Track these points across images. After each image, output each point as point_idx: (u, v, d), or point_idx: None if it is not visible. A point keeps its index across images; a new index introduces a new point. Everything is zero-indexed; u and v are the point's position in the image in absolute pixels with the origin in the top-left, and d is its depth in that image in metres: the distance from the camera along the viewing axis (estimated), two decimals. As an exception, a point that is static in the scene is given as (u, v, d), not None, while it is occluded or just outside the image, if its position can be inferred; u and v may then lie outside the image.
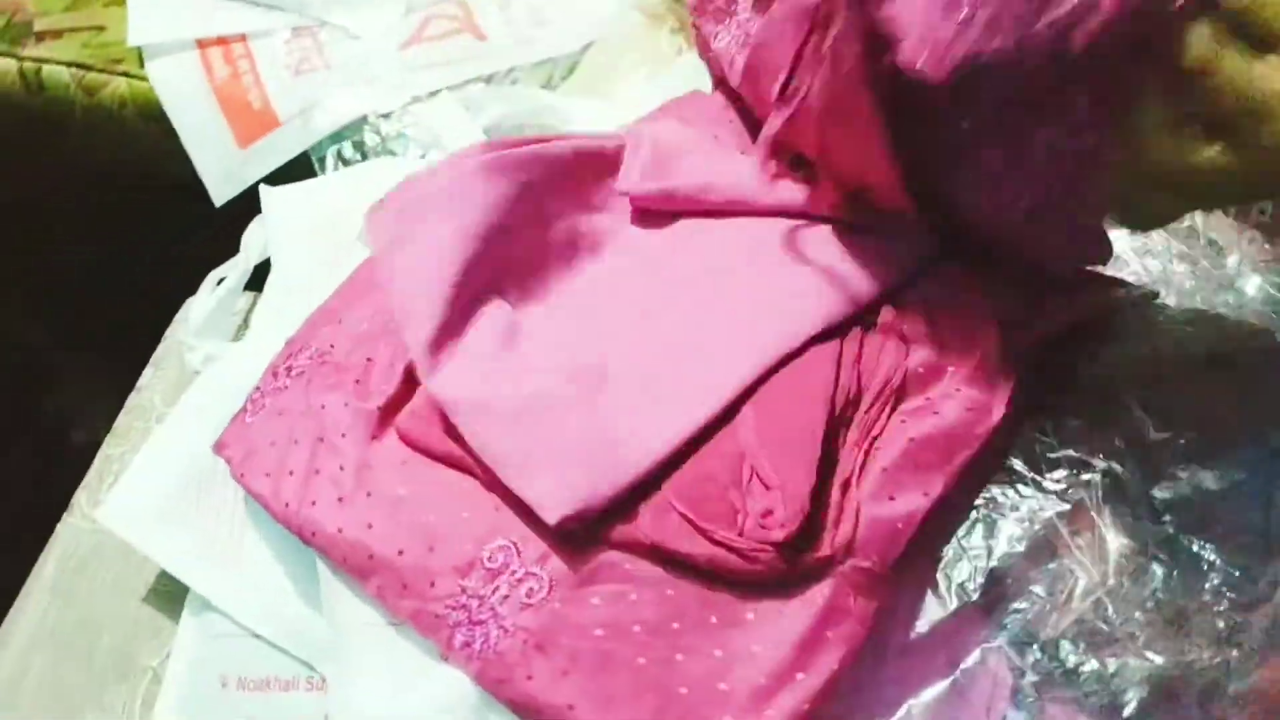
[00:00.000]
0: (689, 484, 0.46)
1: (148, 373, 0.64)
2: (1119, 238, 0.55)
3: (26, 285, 0.99)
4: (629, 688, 0.42)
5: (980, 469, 0.48)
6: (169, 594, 0.55)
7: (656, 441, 0.46)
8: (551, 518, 0.44)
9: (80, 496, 0.60)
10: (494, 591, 0.44)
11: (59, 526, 0.59)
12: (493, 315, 0.51)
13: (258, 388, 0.53)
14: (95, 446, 0.62)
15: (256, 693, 0.50)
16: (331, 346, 0.52)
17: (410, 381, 0.50)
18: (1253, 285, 0.56)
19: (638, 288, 0.53)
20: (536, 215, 0.54)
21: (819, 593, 0.44)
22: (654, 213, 0.56)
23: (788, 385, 0.48)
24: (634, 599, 0.44)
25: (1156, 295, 0.56)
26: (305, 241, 0.59)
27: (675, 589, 0.44)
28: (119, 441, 0.62)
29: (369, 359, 0.51)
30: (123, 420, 0.62)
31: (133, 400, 0.63)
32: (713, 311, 0.51)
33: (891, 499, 0.45)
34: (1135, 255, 0.59)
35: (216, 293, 0.62)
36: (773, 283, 0.52)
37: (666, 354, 0.50)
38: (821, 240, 0.53)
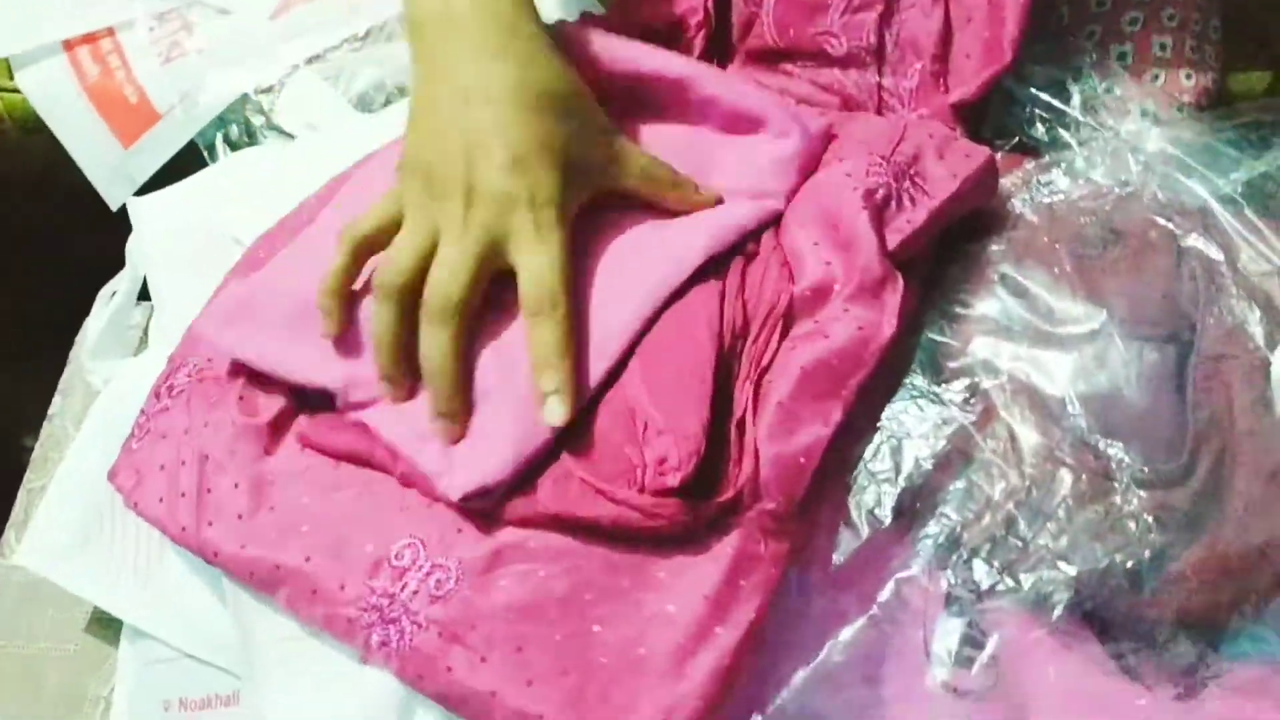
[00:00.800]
0: (586, 447, 0.45)
1: (57, 400, 0.63)
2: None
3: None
4: (549, 666, 0.42)
5: (879, 388, 0.47)
6: (108, 622, 0.55)
7: None
8: (455, 494, 0.44)
9: (9, 535, 0.60)
10: (403, 588, 0.44)
11: (-10, 568, 0.59)
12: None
13: (142, 411, 0.51)
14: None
15: (201, 711, 0.51)
16: (209, 361, 0.51)
17: (299, 389, 0.49)
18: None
19: None
20: None
21: (728, 543, 0.43)
22: None
23: (672, 329, 0.47)
24: (542, 575, 0.43)
25: (1050, 168, 0.54)
26: (178, 249, 0.58)
27: (583, 559, 0.43)
28: (39, 473, 0.61)
29: (250, 373, 0.49)
30: (39, 452, 0.62)
31: (46, 430, 0.62)
32: (598, 271, 0.49)
33: (791, 433, 0.44)
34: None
35: (108, 309, 0.61)
36: (647, 231, 0.50)
37: None
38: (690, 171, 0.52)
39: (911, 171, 0.50)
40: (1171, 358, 0.47)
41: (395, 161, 0.49)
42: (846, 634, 0.44)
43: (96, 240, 0.72)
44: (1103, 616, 0.44)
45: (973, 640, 0.46)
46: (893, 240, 0.48)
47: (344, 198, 0.54)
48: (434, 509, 0.45)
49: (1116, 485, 0.44)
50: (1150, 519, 0.43)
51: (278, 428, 0.48)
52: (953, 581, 0.44)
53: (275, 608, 0.46)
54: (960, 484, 0.45)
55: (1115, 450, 0.45)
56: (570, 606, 0.43)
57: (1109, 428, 0.45)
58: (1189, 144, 0.53)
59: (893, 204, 0.49)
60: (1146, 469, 0.44)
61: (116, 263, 0.65)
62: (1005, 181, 0.54)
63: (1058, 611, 0.44)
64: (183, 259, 0.58)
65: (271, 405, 0.49)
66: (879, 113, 0.58)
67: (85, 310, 0.68)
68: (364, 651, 0.44)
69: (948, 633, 0.46)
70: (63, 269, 0.79)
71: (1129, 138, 0.54)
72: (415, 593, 0.44)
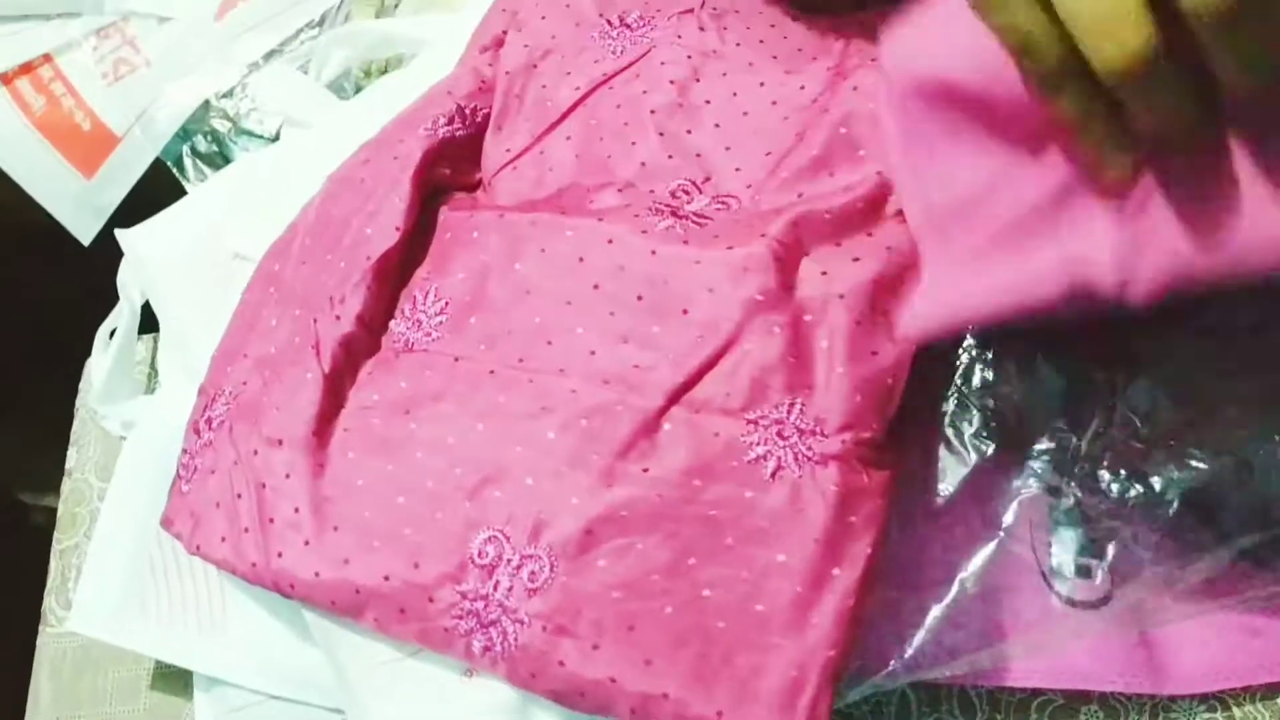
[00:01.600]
0: None
1: (72, 454, 0.60)
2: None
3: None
4: (665, 641, 0.40)
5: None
6: (176, 675, 0.52)
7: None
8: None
9: (50, 602, 0.56)
10: (496, 587, 0.41)
11: (39, 640, 0.55)
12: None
13: (184, 449, 0.48)
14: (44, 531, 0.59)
15: (295, 752, 0.48)
16: (244, 384, 0.48)
17: (332, 390, 0.46)
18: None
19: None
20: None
21: (827, 478, 0.41)
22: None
23: None
24: (641, 547, 0.41)
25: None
26: (181, 275, 0.54)
27: (680, 522, 0.41)
28: (68, 532, 0.58)
29: (281, 383, 0.47)
30: (64, 509, 0.58)
31: (67, 486, 0.59)
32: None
33: (874, 352, 0.42)
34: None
35: (110, 349, 0.57)
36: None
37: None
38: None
39: None
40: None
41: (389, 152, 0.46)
42: (976, 563, 0.42)
43: (65, 279, 0.69)
44: (1222, 511, 0.42)
45: (1090, 550, 0.45)
46: None
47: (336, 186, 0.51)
48: (504, 493, 0.42)
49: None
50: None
51: (321, 433, 0.45)
52: (1078, 495, 0.42)
53: (365, 632, 0.43)
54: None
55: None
56: (676, 574, 0.40)
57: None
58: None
59: None
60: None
61: (90, 301, 0.61)
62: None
63: (1174, 508, 0.42)
64: (189, 285, 0.54)
65: (308, 412, 0.46)
66: None
67: (65, 353, 0.64)
68: (469, 660, 0.42)
69: (1064, 546, 0.45)
70: (32, 311, 0.76)
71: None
72: (510, 589, 0.41)
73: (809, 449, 0.41)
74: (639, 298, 0.43)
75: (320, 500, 0.44)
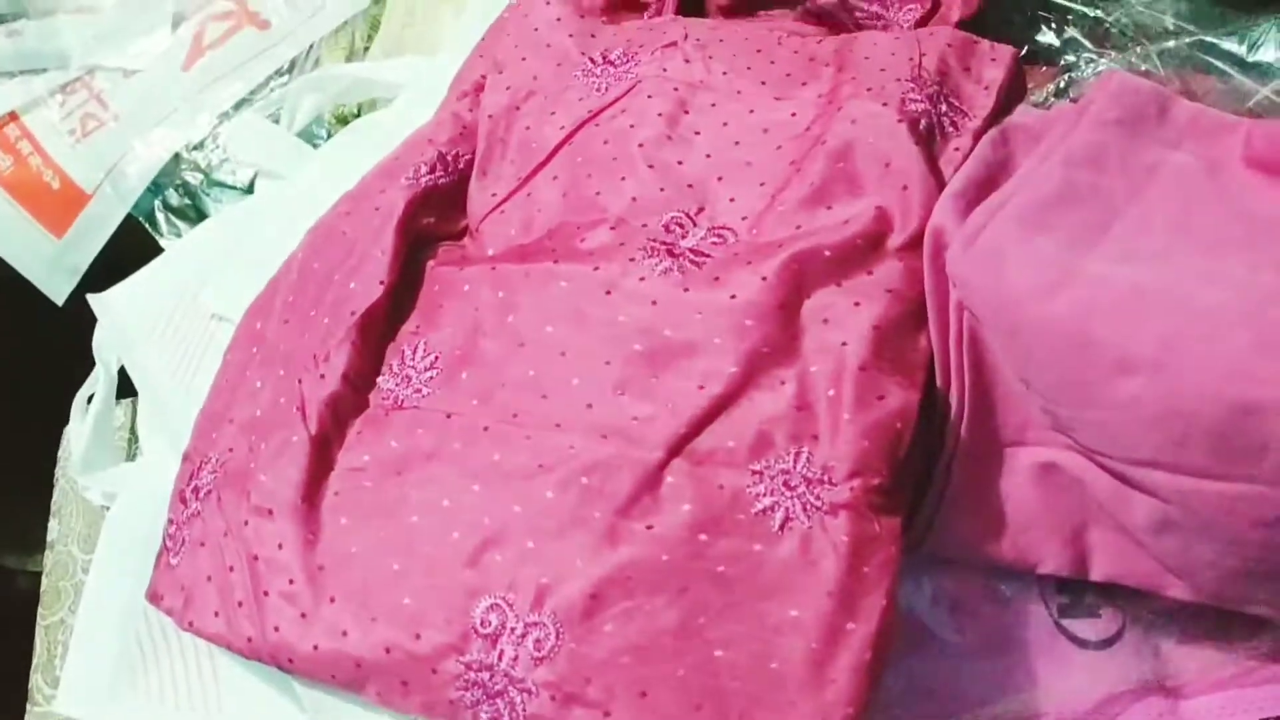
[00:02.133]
0: None
1: (53, 525, 0.58)
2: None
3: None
4: (679, 704, 0.38)
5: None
6: (169, 750, 0.50)
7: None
8: None
9: (37, 680, 0.55)
10: (500, 657, 0.40)
11: (26, 720, 0.54)
12: None
13: (170, 520, 0.47)
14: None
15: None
16: (230, 450, 0.46)
17: (320, 453, 0.45)
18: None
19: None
20: None
21: (838, 529, 0.39)
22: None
23: None
24: (648, 609, 0.39)
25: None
26: (158, 339, 0.53)
27: (688, 579, 0.39)
28: (52, 608, 0.56)
29: (268, 448, 0.45)
30: (48, 583, 0.57)
31: (50, 559, 0.57)
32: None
33: (880, 398, 0.41)
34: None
35: (89, 417, 0.55)
36: None
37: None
38: None
39: (945, 91, 0.47)
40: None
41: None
42: (980, 612, 0.41)
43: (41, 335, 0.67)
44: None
45: (1096, 589, 0.44)
46: (947, 173, 0.45)
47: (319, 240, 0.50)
48: (504, 557, 0.41)
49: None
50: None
51: (310, 499, 0.44)
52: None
53: (368, 705, 0.42)
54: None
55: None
56: (687, 635, 0.39)
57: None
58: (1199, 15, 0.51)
59: (936, 131, 0.46)
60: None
61: (67, 358, 0.60)
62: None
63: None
64: (166, 349, 0.53)
65: (294, 478, 0.44)
66: None
67: (34, 415, 0.63)
68: (475, 732, 0.40)
69: (1072, 588, 0.45)
70: (8, 369, 0.74)
71: (1136, 19, 0.51)
72: (515, 659, 0.40)
73: (818, 498, 0.39)
74: (637, 348, 0.42)
75: (314, 571, 0.43)
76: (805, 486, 0.40)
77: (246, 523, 0.44)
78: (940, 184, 0.44)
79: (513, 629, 0.40)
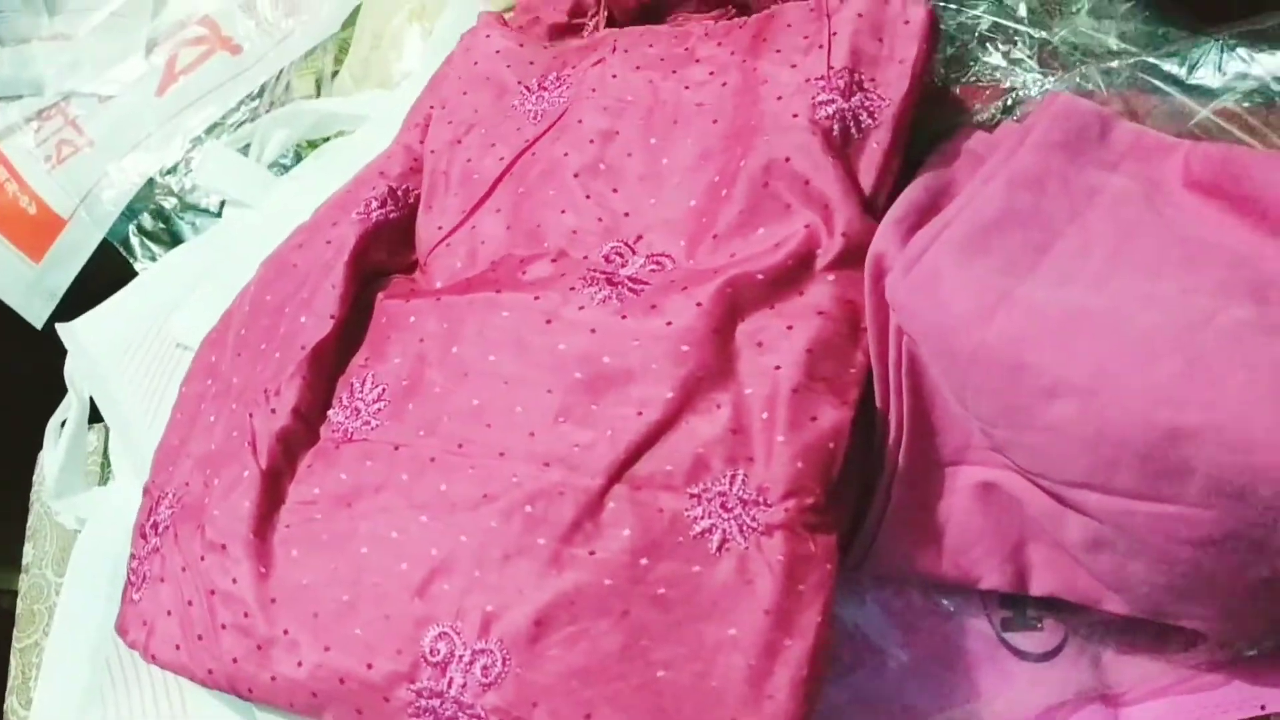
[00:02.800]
0: None
1: (28, 549, 0.59)
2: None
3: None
4: None
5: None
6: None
7: None
8: None
9: (12, 701, 0.56)
10: (450, 684, 0.41)
11: (1, 743, 0.55)
12: None
13: (133, 554, 0.48)
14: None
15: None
16: (187, 485, 0.47)
17: (270, 487, 0.46)
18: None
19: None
20: None
21: (773, 549, 0.40)
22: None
23: None
24: (592, 633, 0.40)
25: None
26: (125, 368, 0.54)
27: (629, 602, 0.40)
28: (26, 630, 0.57)
29: (221, 483, 0.46)
30: (23, 606, 0.58)
31: (25, 582, 0.58)
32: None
33: (813, 419, 0.42)
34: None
35: (61, 443, 0.57)
36: None
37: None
38: None
39: (858, 78, 0.47)
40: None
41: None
42: (923, 626, 0.42)
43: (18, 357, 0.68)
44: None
45: (1038, 602, 0.45)
46: (867, 180, 0.46)
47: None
48: (451, 586, 0.42)
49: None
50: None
51: (261, 533, 0.45)
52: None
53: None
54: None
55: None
56: (630, 657, 0.40)
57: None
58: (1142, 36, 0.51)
59: (852, 129, 0.46)
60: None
61: (34, 386, 0.61)
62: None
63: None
64: (133, 377, 0.54)
65: (246, 510, 0.45)
66: None
67: (11, 440, 0.64)
68: (428, 758, 0.41)
69: (1015, 601, 0.45)
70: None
71: (1081, 40, 0.52)
72: (464, 685, 0.41)
73: (753, 519, 0.40)
74: (577, 376, 0.43)
75: (267, 603, 0.44)
76: (741, 508, 0.40)
77: (203, 558, 0.45)
78: (860, 193, 0.45)
79: (460, 656, 0.41)
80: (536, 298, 0.45)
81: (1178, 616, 0.43)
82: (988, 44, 0.54)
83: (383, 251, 0.51)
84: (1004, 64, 0.53)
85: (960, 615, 0.46)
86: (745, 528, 0.40)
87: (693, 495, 0.41)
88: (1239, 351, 0.40)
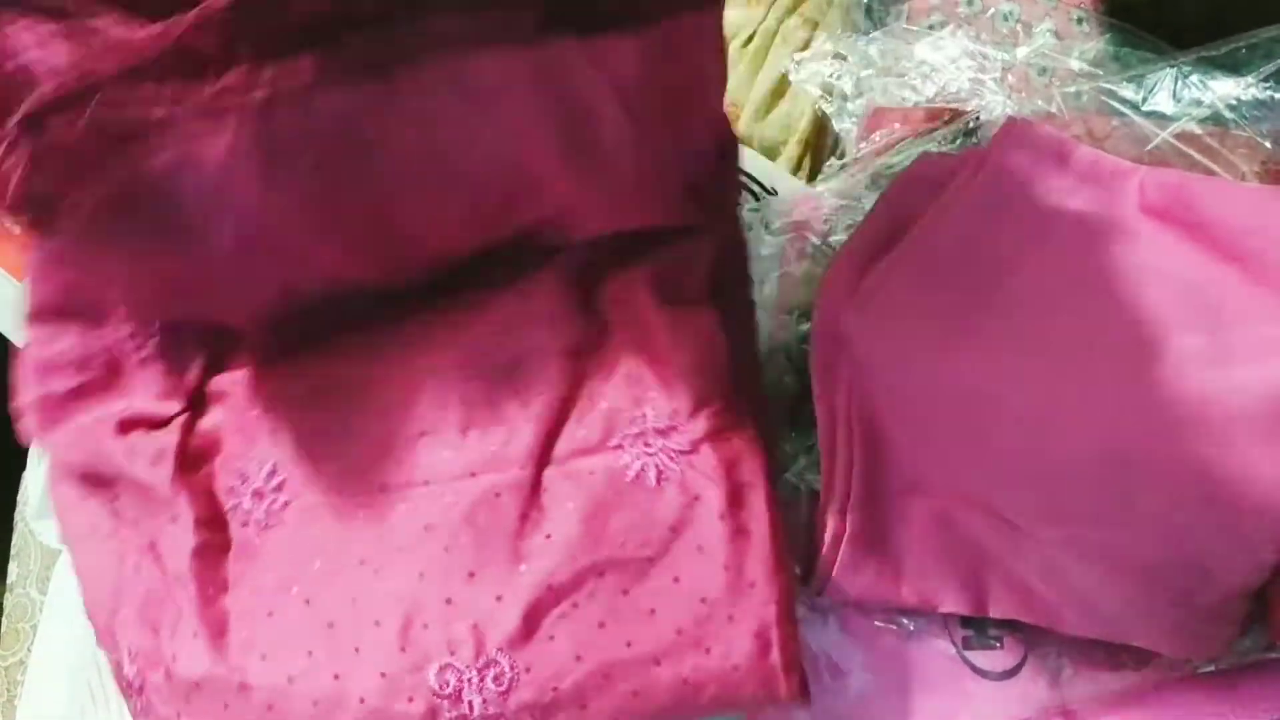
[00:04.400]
0: None
1: (12, 568, 0.60)
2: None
3: None
4: (641, 672, 0.41)
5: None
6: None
7: None
8: None
9: (-3, 719, 0.57)
10: (470, 707, 0.41)
11: (-14, 761, 0.56)
12: None
13: (129, 698, 0.45)
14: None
15: None
16: (138, 641, 0.45)
17: (209, 606, 0.43)
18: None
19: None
20: None
21: (704, 461, 0.42)
22: None
23: None
24: (580, 606, 0.41)
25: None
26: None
27: (600, 566, 0.41)
28: (10, 648, 0.58)
29: (166, 625, 0.44)
30: (7, 625, 0.59)
31: (9, 601, 0.59)
32: None
33: (689, 333, 0.45)
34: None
35: (45, 461, 0.57)
36: None
37: None
38: None
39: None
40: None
41: None
42: (885, 645, 0.43)
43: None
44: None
45: (995, 620, 0.46)
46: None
47: None
48: (432, 623, 0.41)
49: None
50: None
51: (225, 654, 0.43)
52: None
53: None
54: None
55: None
56: (621, 612, 0.41)
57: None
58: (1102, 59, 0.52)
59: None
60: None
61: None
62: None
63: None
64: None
65: (198, 644, 0.43)
66: None
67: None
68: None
69: (975, 621, 0.46)
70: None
71: (1039, 60, 0.53)
72: (484, 702, 0.41)
73: (676, 445, 0.43)
74: (474, 380, 0.45)
75: (265, 711, 0.42)
76: (662, 439, 0.43)
77: (179, 713, 0.43)
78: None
79: (470, 680, 0.41)
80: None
81: (1129, 637, 0.44)
82: (953, 64, 0.54)
83: None
84: (966, 86, 0.54)
85: (921, 634, 0.46)
86: (672, 454, 0.43)
87: (615, 447, 0.43)
88: (1188, 380, 0.41)
